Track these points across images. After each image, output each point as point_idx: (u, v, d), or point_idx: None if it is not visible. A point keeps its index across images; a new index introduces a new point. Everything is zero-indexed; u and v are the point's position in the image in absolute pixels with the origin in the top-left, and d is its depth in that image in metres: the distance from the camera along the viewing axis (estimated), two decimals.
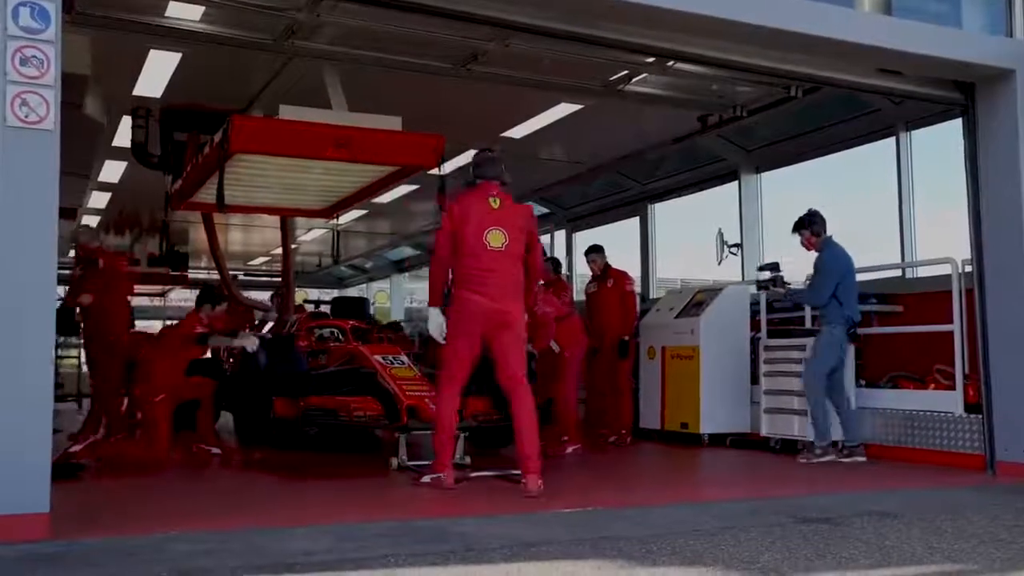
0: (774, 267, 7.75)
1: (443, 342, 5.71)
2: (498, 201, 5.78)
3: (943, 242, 9.79)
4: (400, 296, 22.22)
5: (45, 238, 3.95)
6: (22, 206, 3.89)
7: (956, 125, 7.10)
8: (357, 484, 6.13)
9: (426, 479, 5.69)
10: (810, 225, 7.35)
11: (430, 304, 5.83)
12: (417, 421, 6.52)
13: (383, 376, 6.95)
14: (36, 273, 3.94)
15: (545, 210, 13.76)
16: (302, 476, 6.39)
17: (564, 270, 10.18)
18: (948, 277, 7.02)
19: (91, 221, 15.83)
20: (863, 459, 7.01)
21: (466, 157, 10.88)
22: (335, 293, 22.13)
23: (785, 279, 7.65)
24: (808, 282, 7.55)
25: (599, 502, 5.30)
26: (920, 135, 8.37)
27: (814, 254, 7.36)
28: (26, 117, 3.84)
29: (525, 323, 5.79)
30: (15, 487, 3.83)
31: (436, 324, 5.72)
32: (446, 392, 5.72)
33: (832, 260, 7.22)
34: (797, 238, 7.46)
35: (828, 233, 7.33)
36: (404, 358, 7.38)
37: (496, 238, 5.65)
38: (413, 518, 4.72)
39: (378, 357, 7.22)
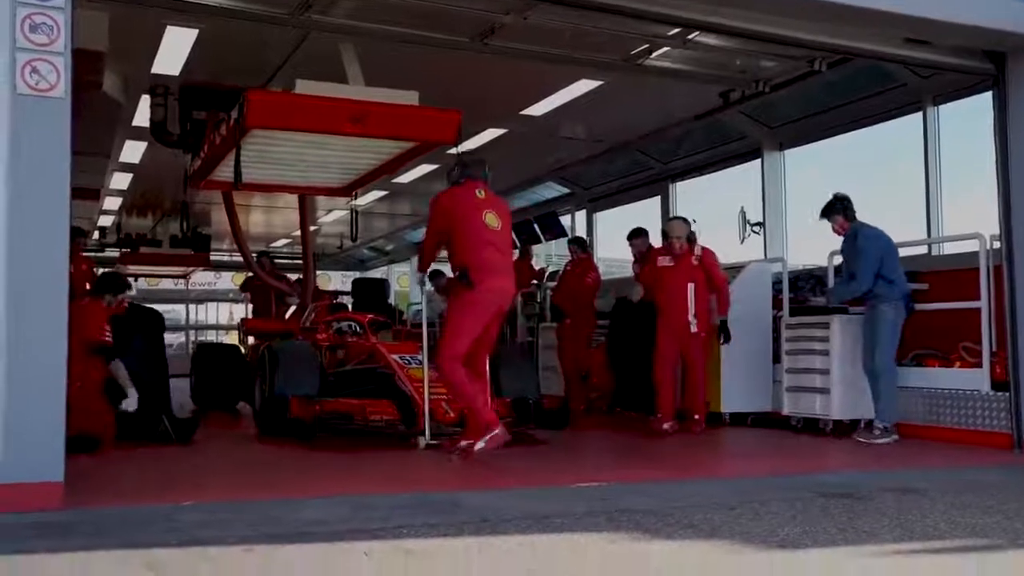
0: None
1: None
2: (483, 193, 6.16)
3: (971, 220, 9.64)
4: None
5: (57, 207, 3.93)
6: (34, 175, 3.87)
7: (985, 99, 6.96)
8: (375, 458, 6.10)
9: (480, 444, 5.74)
10: (843, 210, 7.10)
11: (419, 270, 6.68)
12: (433, 423, 6.41)
13: (400, 378, 6.83)
14: (48, 243, 3.93)
15: (565, 190, 13.69)
16: (320, 450, 6.36)
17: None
18: (974, 254, 6.87)
19: (114, 202, 15.97)
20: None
21: (486, 136, 10.92)
22: (356, 275, 22.17)
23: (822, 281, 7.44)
24: (843, 271, 7.37)
25: (617, 477, 5.25)
26: (948, 109, 8.20)
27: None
28: (36, 85, 3.82)
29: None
30: (29, 456, 3.84)
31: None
32: (457, 364, 5.91)
33: (869, 244, 6.96)
34: (816, 217, 7.28)
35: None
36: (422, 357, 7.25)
37: (493, 220, 6.06)
38: (430, 491, 4.69)
39: (396, 357, 7.08)
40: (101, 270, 12.32)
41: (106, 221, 17.94)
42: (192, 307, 24.16)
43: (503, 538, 3.53)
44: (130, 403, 6.42)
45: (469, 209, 6.05)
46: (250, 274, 12.28)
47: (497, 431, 5.78)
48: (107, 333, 6.56)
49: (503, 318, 6.36)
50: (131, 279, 20.54)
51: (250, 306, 12.89)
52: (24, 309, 3.87)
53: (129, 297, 7.52)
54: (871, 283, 6.89)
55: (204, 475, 5.39)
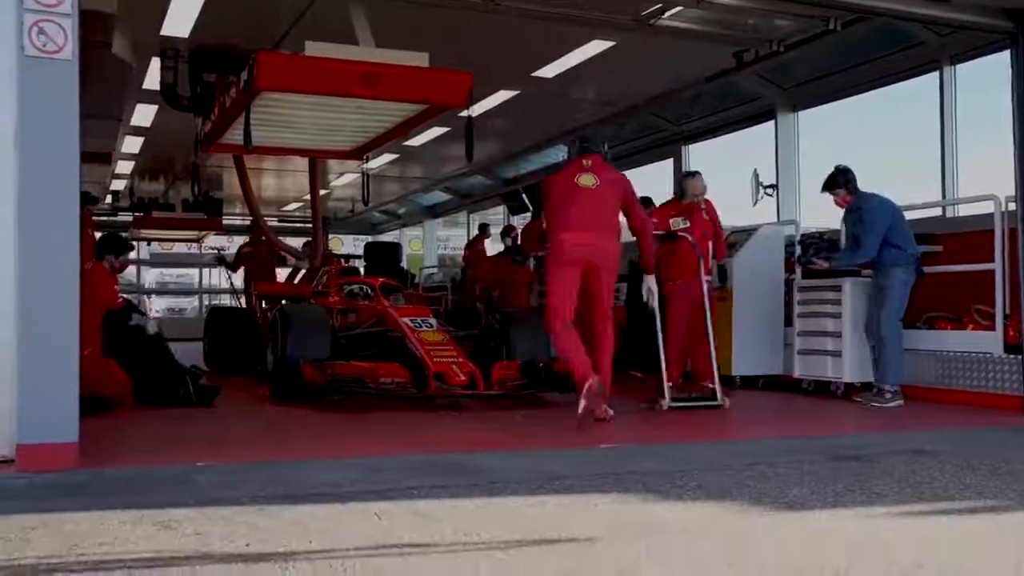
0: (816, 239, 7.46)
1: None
2: (589, 161, 6.22)
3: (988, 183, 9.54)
4: (433, 242, 22.22)
5: (66, 170, 3.93)
6: (43, 137, 3.86)
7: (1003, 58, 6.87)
8: (386, 420, 6.13)
9: (582, 403, 5.61)
10: (845, 183, 7.01)
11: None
12: (443, 386, 6.43)
13: (410, 340, 6.83)
14: (58, 205, 3.93)
15: None
16: (331, 412, 6.39)
17: None
18: (989, 216, 6.80)
19: (126, 166, 15.98)
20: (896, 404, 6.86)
21: (497, 98, 10.84)
22: (368, 238, 22.19)
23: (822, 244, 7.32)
24: (847, 239, 7.29)
25: (626, 439, 5.27)
26: (965, 69, 8.09)
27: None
28: (44, 46, 3.79)
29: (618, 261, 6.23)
30: (44, 417, 3.87)
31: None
32: (557, 319, 6.00)
33: (874, 213, 6.88)
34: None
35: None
36: (432, 321, 7.22)
37: (587, 179, 6.09)
38: (440, 452, 4.72)
39: (406, 320, 7.08)
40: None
41: (118, 185, 17.96)
42: (205, 271, 24.24)
43: (514, 499, 3.55)
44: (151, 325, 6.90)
45: (566, 176, 6.19)
46: (245, 242, 12.13)
47: (589, 382, 5.62)
48: (118, 296, 6.63)
49: (605, 276, 6.11)
50: (144, 243, 20.47)
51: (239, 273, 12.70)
52: (36, 273, 3.89)
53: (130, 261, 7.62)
54: (875, 252, 6.85)
55: (218, 437, 5.44)
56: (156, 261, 25.33)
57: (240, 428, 5.94)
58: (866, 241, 6.87)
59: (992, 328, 6.72)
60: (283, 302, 9.19)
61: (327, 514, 3.30)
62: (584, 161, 6.25)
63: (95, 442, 4.35)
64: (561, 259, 6.02)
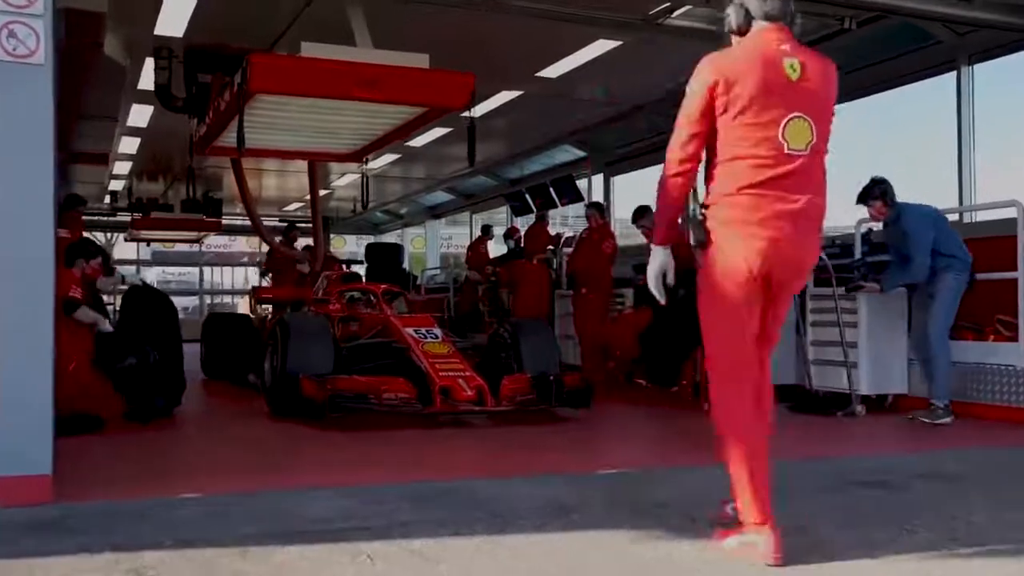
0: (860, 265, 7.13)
1: (661, 299, 3.32)
2: (797, 67, 3.14)
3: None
4: (435, 242, 21.99)
5: (40, 180, 3.68)
6: (14, 146, 3.62)
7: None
8: (387, 441, 5.85)
9: (732, 542, 3.17)
10: (882, 195, 6.62)
11: (656, 242, 3.34)
12: (450, 402, 6.14)
13: (415, 353, 6.55)
14: (33, 218, 3.68)
15: (581, 153, 13.39)
16: (331, 430, 6.11)
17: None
18: (1012, 221, 6.55)
19: (123, 166, 15.78)
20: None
21: (500, 99, 10.60)
22: (370, 239, 21.99)
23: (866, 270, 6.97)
24: (892, 255, 6.95)
25: (637, 462, 5.02)
26: (983, 69, 7.84)
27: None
28: (14, 50, 3.54)
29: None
30: (14, 448, 3.62)
31: (657, 267, 3.29)
32: (728, 392, 3.24)
33: (917, 227, 6.52)
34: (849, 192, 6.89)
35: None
36: (437, 331, 6.92)
37: (800, 134, 3.15)
38: (443, 479, 4.45)
39: (410, 331, 6.78)
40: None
41: (117, 185, 17.77)
42: (206, 270, 24.05)
43: (517, 537, 3.31)
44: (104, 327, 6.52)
45: (761, 104, 3.11)
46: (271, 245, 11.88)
47: (761, 539, 3.04)
48: (76, 291, 6.37)
49: (793, 285, 3.31)
50: (144, 243, 20.25)
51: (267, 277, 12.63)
52: (6, 292, 3.64)
53: (113, 262, 7.39)
54: (928, 268, 6.49)
55: (206, 463, 5.15)
56: (158, 260, 25.18)
57: (231, 451, 5.62)
58: (916, 258, 6.50)
59: (1015, 339, 6.47)
60: (287, 309, 8.97)
61: (317, 555, 3.07)
62: (788, 61, 3.12)
63: (72, 470, 4.10)
64: (731, 270, 3.16)
